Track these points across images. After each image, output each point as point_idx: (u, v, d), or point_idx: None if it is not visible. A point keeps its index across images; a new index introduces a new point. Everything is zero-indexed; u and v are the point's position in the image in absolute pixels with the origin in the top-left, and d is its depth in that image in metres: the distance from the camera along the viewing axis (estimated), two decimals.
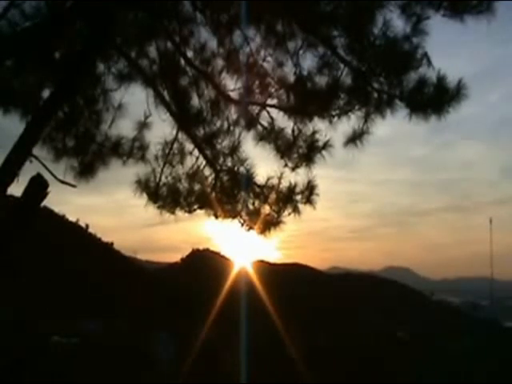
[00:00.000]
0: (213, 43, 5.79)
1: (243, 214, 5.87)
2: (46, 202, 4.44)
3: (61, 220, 46.33)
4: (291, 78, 5.60)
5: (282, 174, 5.73)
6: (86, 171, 5.91)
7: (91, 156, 5.97)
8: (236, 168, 5.87)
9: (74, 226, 47.94)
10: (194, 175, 5.99)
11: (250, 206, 5.85)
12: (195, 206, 5.93)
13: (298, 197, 5.75)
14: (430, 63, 5.00)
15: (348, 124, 5.50)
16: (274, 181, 5.75)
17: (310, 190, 5.73)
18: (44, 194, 4.29)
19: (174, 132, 5.96)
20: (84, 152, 5.92)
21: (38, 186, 4.26)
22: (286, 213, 5.79)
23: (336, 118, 5.50)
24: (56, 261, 37.21)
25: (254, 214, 5.83)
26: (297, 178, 5.74)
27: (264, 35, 5.46)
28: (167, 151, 5.99)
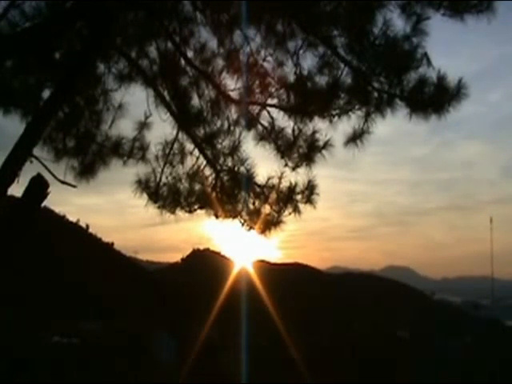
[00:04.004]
0: (213, 43, 5.79)
1: (243, 213, 5.87)
2: (46, 203, 4.44)
3: (61, 220, 46.34)
4: (291, 78, 5.60)
5: (282, 173, 5.72)
6: (87, 171, 5.90)
7: (91, 156, 5.96)
8: (236, 168, 5.87)
9: (75, 227, 47.95)
10: (195, 175, 5.98)
11: (251, 206, 5.85)
12: (196, 206, 5.92)
13: (299, 196, 5.75)
14: (429, 63, 5.00)
15: (348, 123, 5.50)
16: (275, 181, 5.75)
17: (310, 189, 5.73)
18: (44, 195, 4.29)
19: (175, 132, 5.96)
20: (84, 152, 5.92)
21: (39, 187, 4.26)
22: (286, 212, 5.79)
23: (336, 118, 5.50)
24: (56, 261, 37.21)
25: (254, 214, 5.83)
26: (297, 177, 5.74)
27: (264, 35, 5.46)
28: (167, 151, 5.98)
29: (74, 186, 5.39)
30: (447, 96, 5.01)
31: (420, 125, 5.20)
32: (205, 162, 5.94)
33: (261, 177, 5.77)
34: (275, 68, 5.63)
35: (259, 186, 5.79)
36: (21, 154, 4.33)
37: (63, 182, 5.10)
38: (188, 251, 57.80)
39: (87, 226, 49.52)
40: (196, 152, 5.96)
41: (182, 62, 5.91)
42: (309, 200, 5.75)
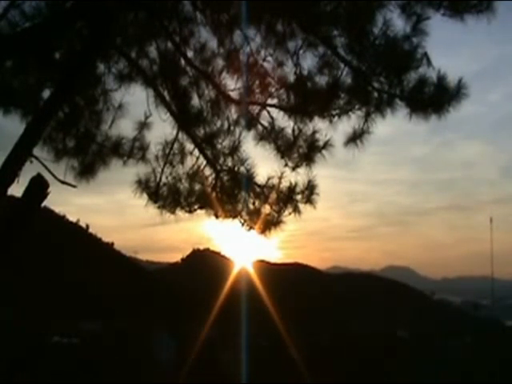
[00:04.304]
0: (213, 43, 5.78)
1: (243, 213, 5.86)
2: (46, 203, 4.44)
3: (61, 220, 46.33)
4: (291, 78, 5.60)
5: (282, 173, 5.72)
6: (87, 171, 5.90)
7: (91, 156, 5.96)
8: (236, 168, 5.87)
9: (75, 227, 47.95)
10: (195, 175, 5.98)
11: (251, 206, 5.84)
12: (196, 206, 5.92)
13: (299, 196, 5.74)
14: (429, 63, 5.00)
15: (348, 124, 5.50)
16: (275, 181, 5.74)
17: (310, 189, 5.73)
18: (44, 195, 4.29)
19: (175, 132, 5.95)
20: (84, 152, 5.92)
21: (39, 187, 4.26)
22: (286, 213, 5.79)
23: (336, 118, 5.50)
24: (56, 261, 37.20)
25: (254, 214, 5.82)
26: (297, 177, 5.73)
27: (264, 35, 5.46)
28: (167, 151, 5.98)
29: (74, 186, 5.39)
30: (447, 96, 5.01)
31: (420, 125, 5.20)
32: (205, 162, 5.94)
33: (261, 177, 5.77)
34: (275, 68, 5.63)
35: (259, 186, 5.78)
36: (21, 154, 4.33)
37: (63, 182, 5.10)
38: (188, 251, 57.87)
39: (87, 226, 49.56)
40: (196, 152, 5.95)
41: (182, 62, 5.90)
42: (309, 200, 5.75)
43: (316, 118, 5.64)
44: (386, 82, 5.21)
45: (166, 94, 5.89)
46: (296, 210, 5.78)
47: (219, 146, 5.95)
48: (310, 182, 5.73)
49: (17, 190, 4.31)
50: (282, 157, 5.79)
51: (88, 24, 5.06)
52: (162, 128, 5.91)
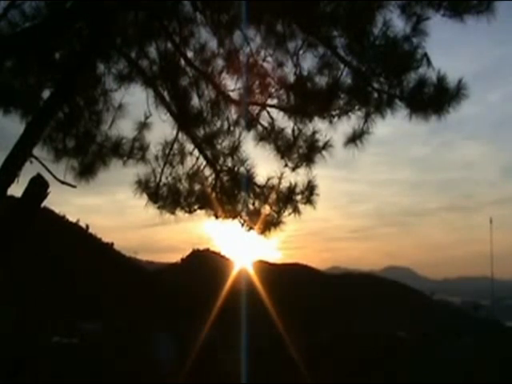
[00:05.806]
0: (213, 43, 5.80)
1: (243, 214, 5.87)
2: (46, 203, 4.45)
3: (61, 220, 46.34)
4: (291, 78, 5.61)
5: (282, 174, 5.73)
6: (86, 171, 5.91)
7: (91, 156, 5.97)
8: (236, 168, 5.87)
9: (75, 227, 47.95)
10: (195, 175, 5.98)
11: (251, 206, 5.85)
12: (195, 207, 5.93)
13: (298, 197, 5.75)
14: (429, 63, 5.00)
15: (348, 124, 5.51)
16: (275, 181, 5.75)
17: (310, 190, 5.73)
18: (44, 195, 4.29)
19: (175, 132, 5.96)
20: (84, 152, 5.92)
21: (39, 187, 4.26)
22: (286, 213, 5.79)
23: (336, 118, 5.51)
24: (56, 261, 37.22)
25: (254, 214, 5.83)
26: (297, 178, 5.75)
27: (264, 35, 5.47)
28: (167, 151, 5.99)
29: (73, 186, 5.40)
30: (447, 96, 5.02)
31: (420, 125, 5.22)
32: (205, 163, 5.95)
33: (261, 177, 5.79)
34: (275, 68, 5.64)
35: (259, 186, 5.79)
36: (21, 154, 4.34)
37: (63, 182, 5.10)
38: (188, 251, 57.82)
39: (87, 226, 49.56)
40: (196, 152, 5.97)
41: (182, 62, 5.91)
42: (309, 200, 5.76)
43: (316, 119, 5.65)
44: (385, 82, 5.22)
45: (165, 94, 5.90)
46: (296, 210, 5.78)
47: (219, 147, 5.96)
48: (309, 182, 5.74)
49: (17, 190, 4.32)
50: (282, 157, 5.80)
51: (88, 24, 5.07)
52: (162, 128, 5.93)
